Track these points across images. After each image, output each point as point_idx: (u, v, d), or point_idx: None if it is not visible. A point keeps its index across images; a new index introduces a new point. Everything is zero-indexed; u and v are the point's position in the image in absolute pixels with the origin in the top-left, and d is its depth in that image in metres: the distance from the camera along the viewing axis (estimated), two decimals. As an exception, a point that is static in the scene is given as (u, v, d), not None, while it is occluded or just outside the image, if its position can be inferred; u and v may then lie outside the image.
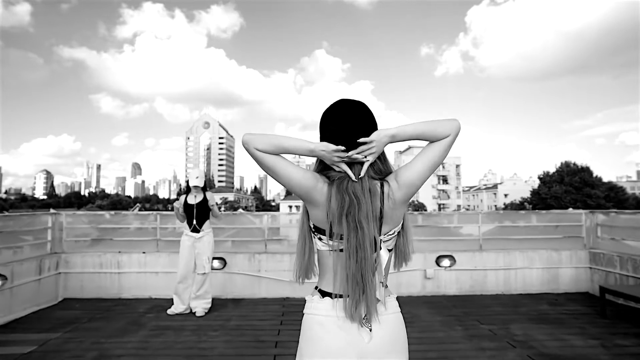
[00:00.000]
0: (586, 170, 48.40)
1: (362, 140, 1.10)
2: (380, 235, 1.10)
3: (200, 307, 4.27)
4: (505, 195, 78.62)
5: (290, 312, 4.36)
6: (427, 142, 1.14)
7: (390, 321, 1.12)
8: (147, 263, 5.01)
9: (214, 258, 4.93)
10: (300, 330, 1.17)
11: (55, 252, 4.99)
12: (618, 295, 3.95)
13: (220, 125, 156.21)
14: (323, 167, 1.17)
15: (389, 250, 1.15)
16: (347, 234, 1.06)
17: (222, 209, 69.42)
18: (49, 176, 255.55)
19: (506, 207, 65.55)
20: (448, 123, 1.11)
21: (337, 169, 1.12)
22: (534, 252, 5.21)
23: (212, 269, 4.89)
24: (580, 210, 5.58)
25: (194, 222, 4.24)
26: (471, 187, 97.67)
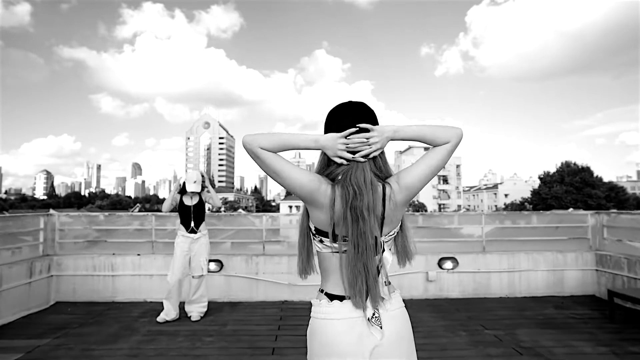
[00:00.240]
0: (587, 170, 48.28)
1: (363, 126, 1.12)
2: (381, 236, 1.12)
3: (196, 311, 4.14)
4: (506, 195, 78.45)
5: (288, 316, 4.23)
6: (427, 145, 1.18)
7: (397, 316, 1.15)
8: (141, 265, 4.88)
9: (210, 260, 4.81)
10: (306, 335, 1.17)
11: (48, 255, 4.86)
12: (627, 299, 3.82)
13: (220, 125, 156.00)
14: (325, 168, 1.17)
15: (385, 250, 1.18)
16: (350, 225, 1.06)
17: (222, 209, 69.30)
18: (49, 176, 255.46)
19: (506, 207, 65.36)
20: (450, 130, 1.15)
21: (338, 161, 1.12)
22: (538, 254, 5.08)
23: (209, 271, 4.77)
24: (586, 211, 5.45)
25: (192, 223, 4.11)
26: (471, 187, 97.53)
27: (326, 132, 1.18)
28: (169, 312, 4.02)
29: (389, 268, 1.16)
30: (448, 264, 4.98)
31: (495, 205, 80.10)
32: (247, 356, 3.17)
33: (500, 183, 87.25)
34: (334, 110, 1.19)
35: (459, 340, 3.48)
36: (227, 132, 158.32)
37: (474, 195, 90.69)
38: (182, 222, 4.13)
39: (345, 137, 1.12)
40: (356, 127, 1.13)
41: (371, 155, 1.13)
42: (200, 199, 4.19)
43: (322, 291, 1.17)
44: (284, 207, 74.90)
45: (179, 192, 4.18)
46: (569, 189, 46.83)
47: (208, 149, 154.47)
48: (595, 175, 47.86)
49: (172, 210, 4.18)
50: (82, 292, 4.79)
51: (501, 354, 3.17)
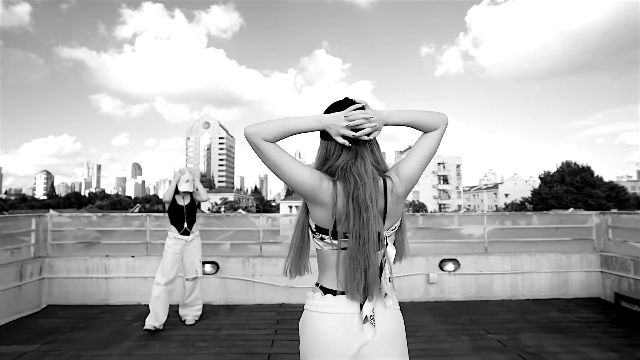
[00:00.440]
0: (587, 170, 48.19)
1: (360, 101, 1.12)
2: (384, 231, 1.11)
3: (191, 314, 4.03)
4: (506, 195, 78.27)
5: (285, 319, 4.12)
6: (419, 131, 1.19)
7: (392, 317, 1.13)
8: (135, 267, 4.77)
9: (206, 262, 4.70)
10: (298, 329, 1.17)
11: (40, 256, 4.74)
12: (634, 302, 3.71)
13: (220, 125, 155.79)
14: (323, 163, 1.15)
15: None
16: (352, 217, 1.04)
17: (222, 209, 69.13)
18: (49, 176, 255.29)
19: (507, 207, 65.24)
20: (438, 116, 1.17)
21: (340, 141, 1.09)
22: (542, 255, 4.96)
23: (204, 273, 4.66)
24: (590, 212, 5.34)
25: (185, 224, 3.96)
26: (472, 187, 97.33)
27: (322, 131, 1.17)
28: (158, 317, 3.74)
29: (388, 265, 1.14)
30: (449, 266, 4.86)
31: (496, 205, 79.96)
32: (241, 363, 3.06)
33: (501, 183, 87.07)
34: (332, 106, 1.18)
35: (462, 345, 3.37)
36: (227, 132, 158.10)
37: (474, 195, 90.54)
38: (173, 223, 3.96)
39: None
40: (354, 102, 1.14)
41: (372, 136, 1.12)
42: (192, 199, 4.07)
43: (317, 284, 1.17)
44: (284, 207, 74.74)
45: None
46: (570, 188, 46.73)
47: (208, 149, 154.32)
48: (595, 175, 47.76)
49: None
50: (75, 295, 4.68)
51: (505, 360, 3.06)
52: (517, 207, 55.27)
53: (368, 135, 1.11)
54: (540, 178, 51.52)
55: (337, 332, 1.07)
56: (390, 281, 1.13)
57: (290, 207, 71.01)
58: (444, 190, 75.00)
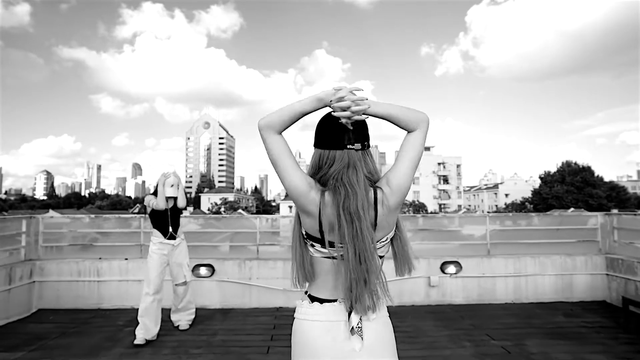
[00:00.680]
0: (587, 170, 48.11)
1: (351, 88, 1.10)
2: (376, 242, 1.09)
3: (184, 319, 3.90)
4: (506, 195, 78.08)
5: (282, 324, 3.99)
6: (397, 126, 1.16)
7: (380, 325, 1.12)
8: (129, 270, 4.64)
9: (201, 265, 4.58)
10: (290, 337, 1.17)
11: (30, 259, 4.62)
12: (643, 307, 3.58)
13: (220, 125, 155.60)
14: (317, 170, 1.14)
15: (381, 257, 1.14)
16: (345, 227, 1.03)
17: (222, 209, 68.88)
18: (49, 177, 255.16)
19: (507, 207, 65.04)
20: (417, 114, 1.14)
21: (343, 120, 1.10)
22: (546, 258, 4.83)
23: (199, 276, 4.55)
24: (595, 212, 5.21)
25: (170, 228, 3.76)
26: (472, 187, 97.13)
27: (320, 131, 1.16)
28: (149, 330, 3.49)
29: (380, 274, 1.12)
30: (451, 268, 4.74)
31: (496, 205, 79.79)
32: (235, 371, 2.94)
33: (501, 183, 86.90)
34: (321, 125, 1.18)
35: (464, 352, 3.24)
36: (227, 132, 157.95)
37: (474, 195, 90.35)
38: (157, 227, 3.74)
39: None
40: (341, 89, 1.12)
41: (352, 119, 1.09)
42: (175, 202, 3.86)
43: (306, 293, 1.19)
44: (284, 207, 74.60)
45: (152, 194, 3.82)
46: (570, 188, 46.63)
47: (208, 149, 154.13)
48: (595, 175, 47.66)
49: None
50: (66, 299, 4.55)
51: (510, 368, 2.93)
52: (518, 207, 55.13)
53: (349, 118, 1.10)
54: (541, 178, 51.43)
55: (324, 339, 1.07)
56: (382, 289, 1.12)
57: (290, 207, 70.87)
58: (444, 190, 74.81)
